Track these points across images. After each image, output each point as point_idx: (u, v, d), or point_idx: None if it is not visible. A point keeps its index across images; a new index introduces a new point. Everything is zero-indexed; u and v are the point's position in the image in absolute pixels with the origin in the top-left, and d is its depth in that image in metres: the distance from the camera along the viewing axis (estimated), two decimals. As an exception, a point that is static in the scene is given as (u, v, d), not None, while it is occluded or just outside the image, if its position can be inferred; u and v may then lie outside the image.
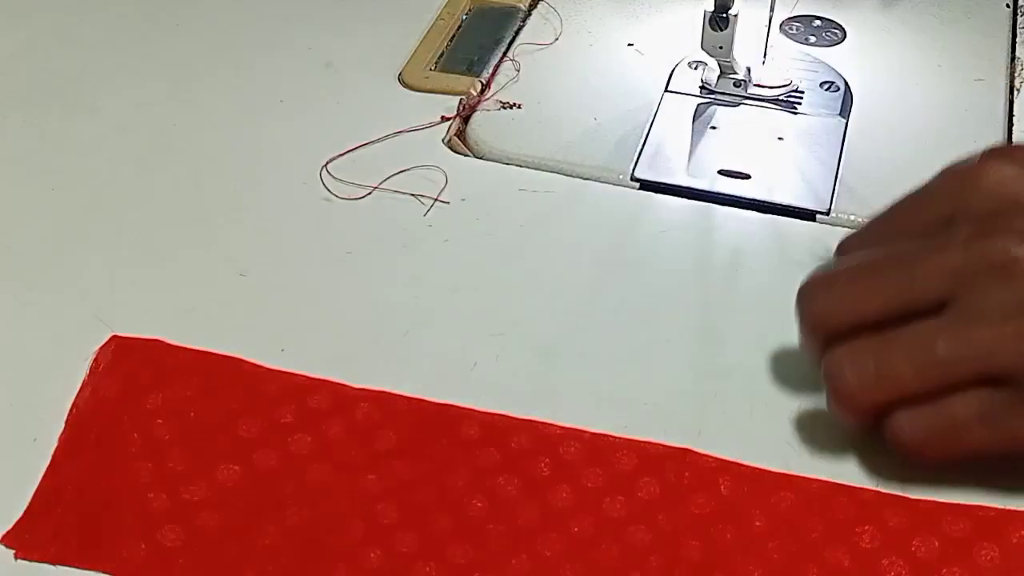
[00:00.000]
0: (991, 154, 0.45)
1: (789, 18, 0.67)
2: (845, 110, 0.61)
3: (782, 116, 0.61)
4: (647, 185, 0.57)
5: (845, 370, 0.44)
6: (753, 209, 0.56)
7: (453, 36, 0.67)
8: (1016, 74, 0.65)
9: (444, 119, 0.61)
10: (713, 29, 0.57)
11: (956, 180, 0.45)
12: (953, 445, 0.43)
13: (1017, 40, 0.67)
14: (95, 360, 0.48)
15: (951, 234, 0.43)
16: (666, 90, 0.62)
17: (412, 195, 0.56)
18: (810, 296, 0.46)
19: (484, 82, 0.63)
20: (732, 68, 0.60)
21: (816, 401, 0.47)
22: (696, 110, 0.61)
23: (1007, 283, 0.42)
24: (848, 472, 0.45)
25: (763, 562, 0.42)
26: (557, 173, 0.58)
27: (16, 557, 0.42)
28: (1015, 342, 0.41)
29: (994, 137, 0.60)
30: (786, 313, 0.51)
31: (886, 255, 0.45)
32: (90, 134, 0.61)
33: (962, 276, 0.42)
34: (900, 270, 0.44)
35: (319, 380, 0.48)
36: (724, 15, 0.57)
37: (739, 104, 0.62)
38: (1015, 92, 0.63)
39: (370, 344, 0.50)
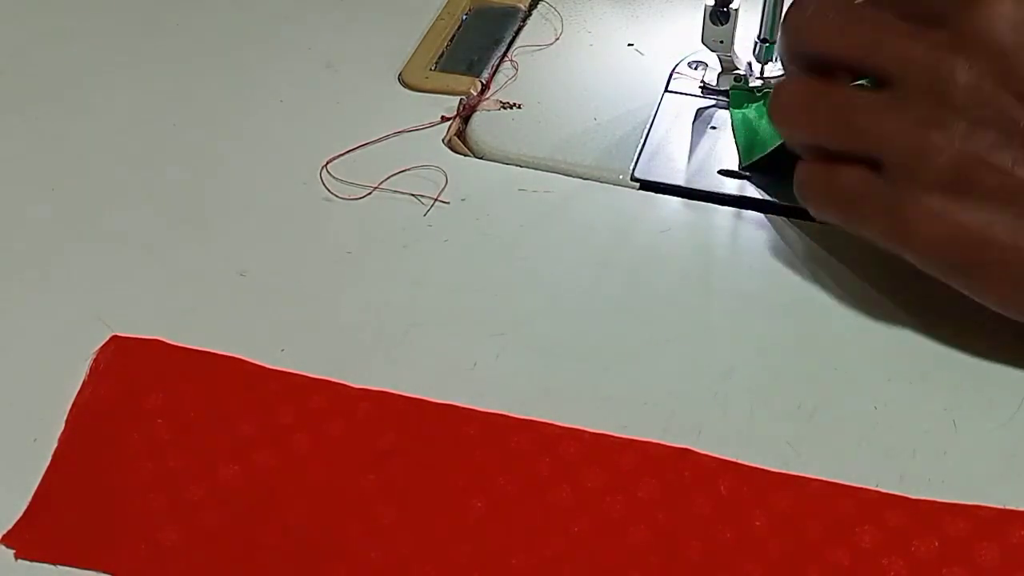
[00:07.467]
0: None
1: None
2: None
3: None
4: (647, 185, 0.57)
5: (782, 95, 0.49)
6: (753, 209, 0.56)
7: (453, 36, 0.67)
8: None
9: (444, 119, 0.61)
10: (714, 23, 0.57)
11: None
12: (828, 201, 0.49)
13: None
14: (95, 360, 0.48)
15: (931, 32, 0.46)
16: (666, 90, 0.62)
17: (412, 195, 0.56)
18: (794, 10, 0.50)
19: (484, 82, 0.63)
20: (733, 63, 0.60)
21: (816, 401, 0.47)
22: (696, 110, 0.61)
23: (933, 100, 0.45)
24: (848, 472, 0.45)
25: (763, 562, 0.42)
26: (557, 173, 0.58)
27: (16, 557, 0.42)
28: (908, 139, 0.45)
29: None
30: (786, 313, 0.51)
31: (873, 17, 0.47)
32: (90, 134, 0.61)
33: (912, 70, 0.46)
34: (873, 33, 0.47)
35: (319, 380, 0.48)
36: (725, 9, 0.57)
37: (739, 104, 0.62)
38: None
39: (370, 344, 0.50)
